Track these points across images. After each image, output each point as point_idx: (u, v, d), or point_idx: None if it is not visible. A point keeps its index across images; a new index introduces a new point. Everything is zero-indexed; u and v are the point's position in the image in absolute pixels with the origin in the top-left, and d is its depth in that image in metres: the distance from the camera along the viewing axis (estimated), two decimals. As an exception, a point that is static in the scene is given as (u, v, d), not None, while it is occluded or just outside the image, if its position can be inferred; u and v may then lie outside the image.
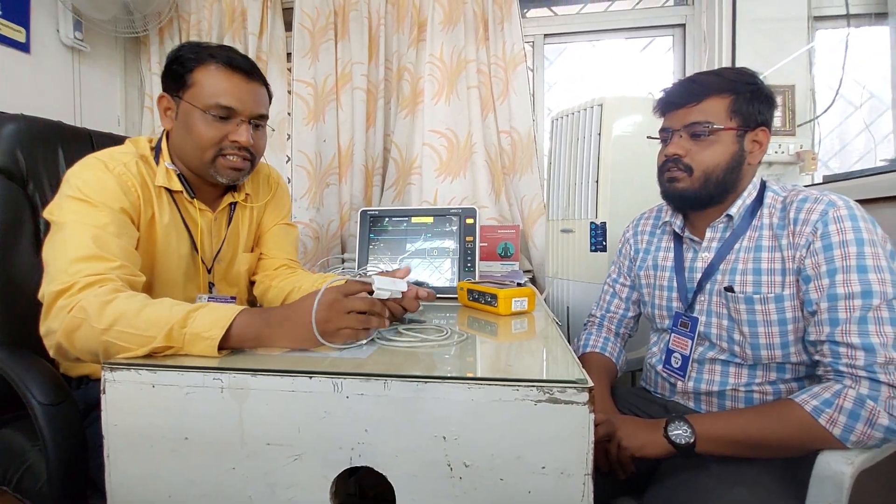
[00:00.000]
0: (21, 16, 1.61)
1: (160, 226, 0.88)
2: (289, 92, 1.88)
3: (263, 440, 0.56)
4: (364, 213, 1.30)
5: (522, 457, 0.53)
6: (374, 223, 1.29)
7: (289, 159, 1.89)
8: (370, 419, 0.55)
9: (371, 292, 0.70)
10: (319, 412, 0.55)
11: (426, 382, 0.54)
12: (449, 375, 0.55)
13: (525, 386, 0.52)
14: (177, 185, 0.90)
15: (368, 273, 0.75)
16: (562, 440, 0.52)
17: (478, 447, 0.53)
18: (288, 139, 1.90)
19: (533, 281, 1.72)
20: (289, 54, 1.92)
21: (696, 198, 0.89)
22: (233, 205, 1.01)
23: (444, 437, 0.54)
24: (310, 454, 0.56)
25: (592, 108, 1.45)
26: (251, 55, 1.83)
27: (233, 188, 1.00)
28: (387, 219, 1.29)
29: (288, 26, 1.91)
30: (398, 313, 0.78)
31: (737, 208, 0.87)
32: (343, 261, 1.73)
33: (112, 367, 0.59)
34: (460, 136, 1.74)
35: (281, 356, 0.64)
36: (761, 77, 0.87)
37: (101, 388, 0.58)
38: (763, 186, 0.89)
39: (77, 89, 1.80)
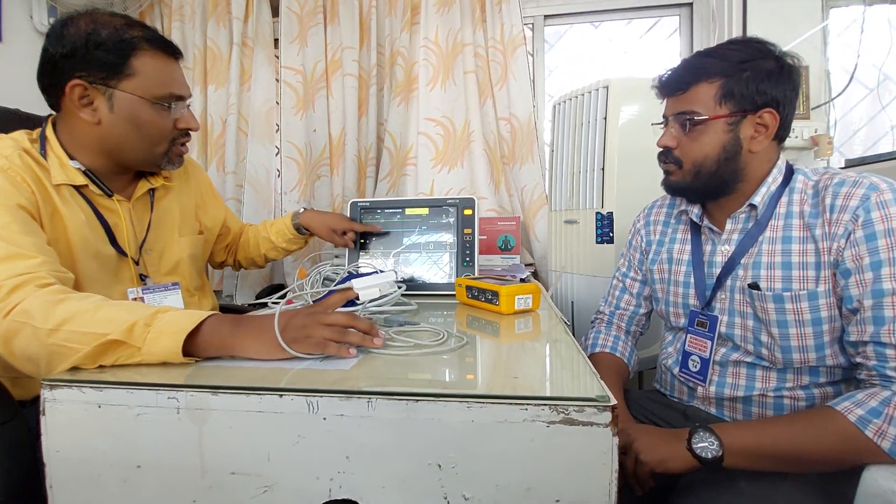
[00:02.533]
0: (-10, 0, 1.52)
1: (71, 223, 0.79)
2: (276, 80, 1.81)
3: (227, 469, 0.48)
4: (354, 204, 1.22)
5: (533, 488, 0.45)
6: (365, 216, 1.21)
7: (278, 150, 1.81)
8: (352, 444, 0.46)
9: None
10: (292, 436, 0.47)
11: (417, 401, 0.46)
12: (445, 392, 0.46)
13: (535, 405, 0.44)
14: (79, 181, 0.81)
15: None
16: (579, 468, 0.44)
17: (479, 477, 0.45)
18: (277, 130, 1.81)
19: (535, 275, 1.64)
20: (276, 40, 1.84)
21: (692, 190, 0.83)
22: (152, 191, 0.93)
23: (440, 465, 0.46)
24: (282, 485, 0.47)
25: (598, 90, 1.36)
26: (236, 41, 1.75)
27: (146, 173, 0.93)
28: (379, 211, 1.21)
29: (274, 11, 1.83)
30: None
31: (761, 197, 0.79)
32: (335, 256, 1.65)
33: (52, 385, 0.50)
34: (457, 124, 1.67)
35: (246, 371, 0.55)
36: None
37: (41, 408, 0.50)
38: (790, 171, 0.80)
39: (52, 78, 1.71)
